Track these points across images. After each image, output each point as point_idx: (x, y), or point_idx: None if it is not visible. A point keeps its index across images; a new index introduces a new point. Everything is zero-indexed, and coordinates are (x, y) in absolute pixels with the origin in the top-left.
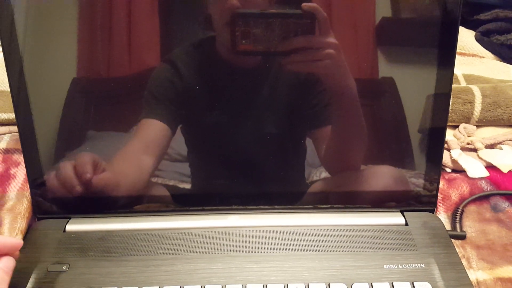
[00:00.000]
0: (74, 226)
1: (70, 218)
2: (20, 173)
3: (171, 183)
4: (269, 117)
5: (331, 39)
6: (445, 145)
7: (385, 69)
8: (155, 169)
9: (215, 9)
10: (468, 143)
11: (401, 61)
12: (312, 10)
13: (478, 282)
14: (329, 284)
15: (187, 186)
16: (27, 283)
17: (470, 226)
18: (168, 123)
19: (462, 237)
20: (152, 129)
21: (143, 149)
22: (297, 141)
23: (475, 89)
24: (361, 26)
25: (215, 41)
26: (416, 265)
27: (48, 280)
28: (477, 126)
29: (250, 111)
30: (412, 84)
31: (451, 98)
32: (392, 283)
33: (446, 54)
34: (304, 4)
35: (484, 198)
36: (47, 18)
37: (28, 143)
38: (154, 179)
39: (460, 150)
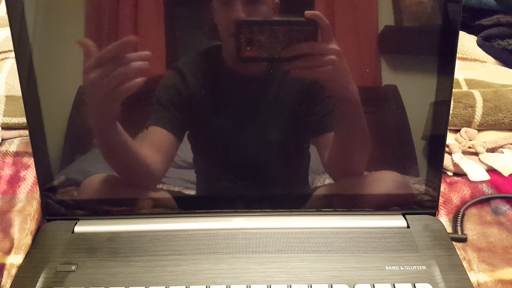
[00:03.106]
0: (83, 227)
1: (78, 220)
2: (29, 176)
3: (176, 189)
4: (273, 123)
5: (333, 46)
6: (447, 149)
7: (388, 76)
8: (163, 175)
9: (221, 17)
10: (469, 147)
11: (403, 68)
12: (314, 17)
13: (479, 284)
14: (331, 285)
15: (193, 190)
16: (36, 283)
17: (471, 229)
18: (174, 130)
19: (463, 239)
20: (159, 136)
21: (151, 154)
22: (301, 147)
23: (476, 94)
24: (364, 33)
25: (221, 49)
26: (417, 266)
27: (57, 280)
28: (478, 130)
29: (255, 117)
30: (413, 91)
31: (452, 103)
32: (393, 285)
33: (446, 61)
34: (307, 11)
35: (485, 201)
36: (58, 24)
37: (38, 146)
38: (159, 185)
39: (462, 154)
